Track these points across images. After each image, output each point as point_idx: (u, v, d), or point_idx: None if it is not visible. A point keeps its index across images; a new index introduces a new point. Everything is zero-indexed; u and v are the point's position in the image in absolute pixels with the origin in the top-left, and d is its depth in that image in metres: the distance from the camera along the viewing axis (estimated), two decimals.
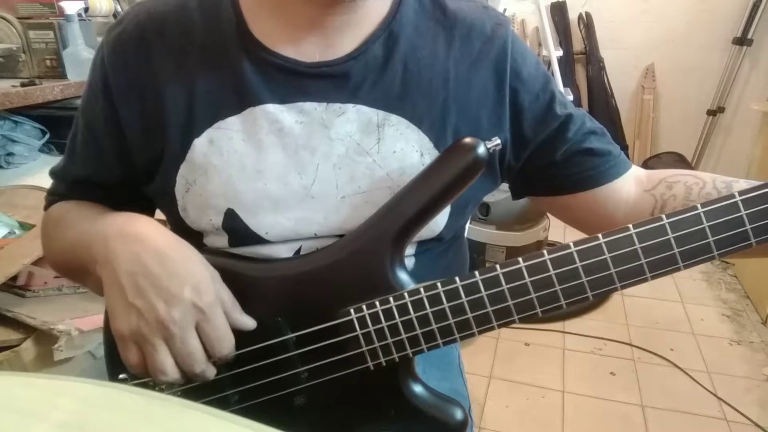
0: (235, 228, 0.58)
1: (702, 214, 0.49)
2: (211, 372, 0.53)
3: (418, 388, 0.57)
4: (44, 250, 0.67)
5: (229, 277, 0.54)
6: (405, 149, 0.59)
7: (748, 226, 0.49)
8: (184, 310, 0.49)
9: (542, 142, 0.64)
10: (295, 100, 0.57)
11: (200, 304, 0.50)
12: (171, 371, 0.50)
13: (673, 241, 0.49)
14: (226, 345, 0.52)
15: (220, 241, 0.60)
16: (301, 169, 0.58)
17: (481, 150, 0.55)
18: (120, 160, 0.62)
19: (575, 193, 0.65)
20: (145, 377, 0.52)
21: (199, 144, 0.58)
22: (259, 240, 0.59)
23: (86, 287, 0.63)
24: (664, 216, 0.49)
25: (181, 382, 0.52)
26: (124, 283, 0.49)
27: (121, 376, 0.56)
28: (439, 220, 0.61)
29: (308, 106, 0.58)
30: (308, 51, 0.57)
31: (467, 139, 0.56)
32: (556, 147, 0.64)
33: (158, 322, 0.49)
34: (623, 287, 0.51)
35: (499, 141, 0.57)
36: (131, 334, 0.49)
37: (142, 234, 0.51)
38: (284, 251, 0.60)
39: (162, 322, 0.48)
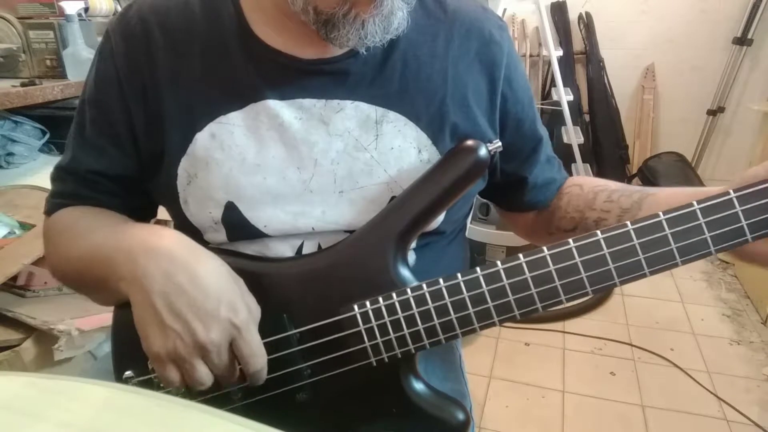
0: (234, 221, 0.59)
1: (698, 211, 0.50)
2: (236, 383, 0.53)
3: (420, 387, 0.57)
4: (48, 259, 0.64)
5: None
6: (403, 146, 0.59)
7: (744, 222, 0.49)
8: (221, 329, 0.49)
9: (516, 155, 0.67)
10: (295, 96, 0.58)
11: (236, 321, 0.49)
12: (209, 382, 0.50)
13: (670, 237, 0.50)
14: (260, 361, 0.52)
15: (219, 236, 0.60)
16: (300, 164, 0.58)
17: (483, 152, 0.57)
18: (134, 152, 0.61)
19: (523, 212, 0.75)
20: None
21: (201, 138, 0.58)
22: (257, 234, 0.59)
23: (93, 299, 0.61)
24: (661, 213, 0.50)
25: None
26: (158, 304, 0.48)
27: (126, 373, 0.56)
28: (437, 218, 0.62)
29: (307, 102, 0.58)
30: (308, 48, 0.57)
31: (469, 142, 0.57)
32: (530, 165, 0.69)
33: (197, 343, 0.48)
34: (622, 283, 0.51)
35: (499, 143, 0.59)
36: (168, 356, 0.49)
37: (170, 249, 0.50)
38: (283, 247, 0.60)
39: (201, 344, 0.48)
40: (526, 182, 0.69)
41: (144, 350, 0.50)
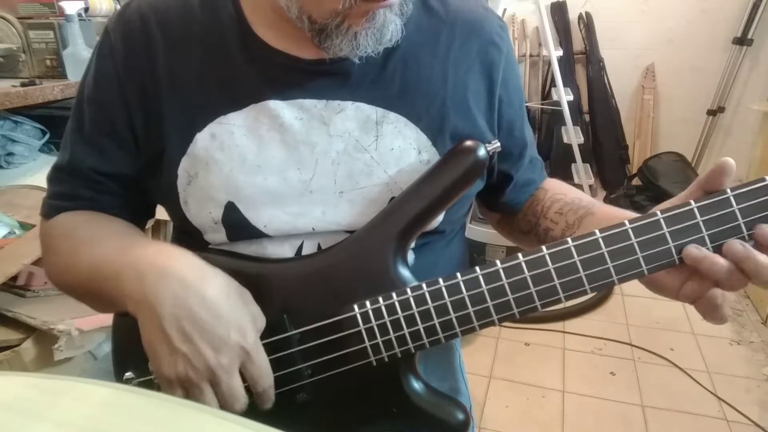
0: (235, 221, 0.59)
1: (696, 209, 0.50)
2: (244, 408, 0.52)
3: (419, 387, 0.57)
4: (47, 265, 0.63)
5: (236, 277, 0.54)
6: (403, 147, 0.59)
7: (741, 221, 0.49)
8: (231, 354, 0.49)
9: (507, 157, 0.68)
10: (295, 96, 0.58)
11: (246, 346, 0.50)
12: (215, 406, 0.50)
13: (668, 235, 0.50)
14: (266, 380, 0.52)
15: (219, 236, 0.60)
16: (301, 165, 0.58)
17: (482, 152, 0.57)
18: (135, 151, 0.61)
19: (496, 212, 0.76)
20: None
21: (201, 138, 0.58)
22: (257, 234, 0.59)
23: (91, 307, 0.60)
24: (659, 212, 0.50)
25: None
26: (169, 328, 0.48)
27: (127, 375, 0.56)
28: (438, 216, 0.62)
29: (308, 103, 0.58)
30: (308, 49, 0.57)
31: (468, 142, 0.58)
32: (517, 167, 0.69)
33: (207, 368, 0.48)
34: (620, 281, 0.51)
35: (498, 143, 0.60)
36: (178, 380, 0.49)
37: (180, 271, 0.49)
38: (283, 248, 0.60)
39: (211, 369, 0.48)
40: (509, 182, 0.70)
41: (153, 372, 0.50)
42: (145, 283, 0.49)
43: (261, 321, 0.53)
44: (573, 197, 0.67)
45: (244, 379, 0.51)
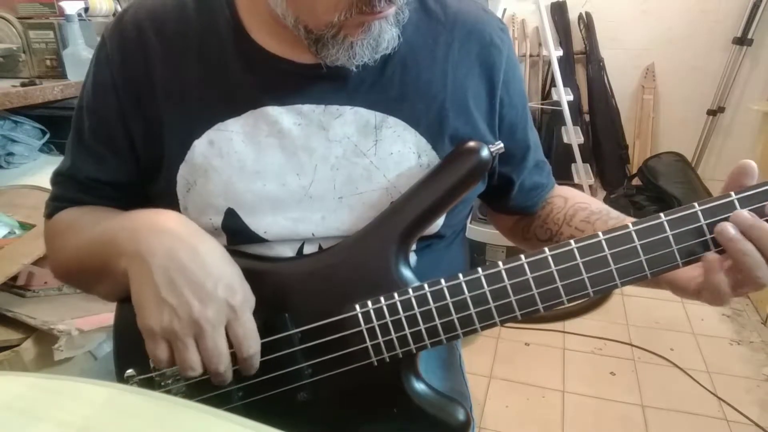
0: (235, 227, 0.59)
1: (699, 213, 0.50)
2: (229, 375, 0.52)
3: (420, 387, 0.57)
4: (51, 258, 0.64)
5: None
6: (402, 151, 0.59)
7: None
8: (217, 308, 0.49)
9: (508, 160, 0.67)
10: (294, 102, 0.58)
11: (233, 302, 0.50)
12: (199, 368, 0.50)
13: (671, 238, 0.50)
14: (253, 345, 0.52)
15: (220, 241, 0.60)
16: (300, 170, 0.58)
17: (485, 153, 0.57)
18: (133, 159, 0.61)
19: (508, 215, 0.76)
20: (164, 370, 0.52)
21: (199, 145, 0.58)
22: (257, 239, 0.59)
23: (96, 292, 0.61)
24: (662, 214, 0.50)
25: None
26: (158, 278, 0.48)
27: (128, 372, 0.56)
28: (438, 219, 0.61)
29: (306, 108, 0.58)
30: (305, 53, 0.57)
31: (471, 143, 0.58)
32: (519, 170, 0.69)
33: (192, 320, 0.48)
34: (623, 284, 0.51)
35: (501, 144, 0.59)
36: (162, 331, 0.49)
37: (174, 228, 0.51)
38: (284, 253, 0.60)
39: (196, 321, 0.48)
40: (513, 186, 0.70)
41: (138, 325, 0.50)
42: (138, 239, 0.50)
43: (251, 300, 0.53)
44: (599, 207, 0.67)
45: (230, 345, 0.51)
